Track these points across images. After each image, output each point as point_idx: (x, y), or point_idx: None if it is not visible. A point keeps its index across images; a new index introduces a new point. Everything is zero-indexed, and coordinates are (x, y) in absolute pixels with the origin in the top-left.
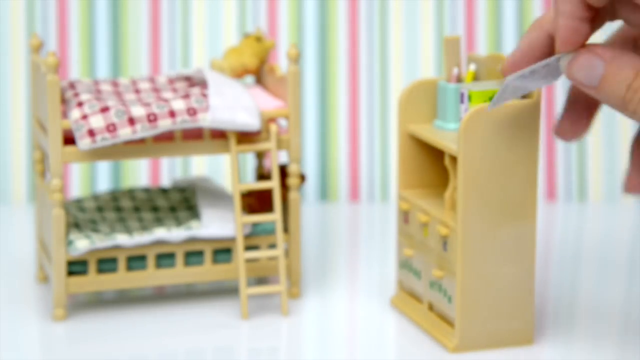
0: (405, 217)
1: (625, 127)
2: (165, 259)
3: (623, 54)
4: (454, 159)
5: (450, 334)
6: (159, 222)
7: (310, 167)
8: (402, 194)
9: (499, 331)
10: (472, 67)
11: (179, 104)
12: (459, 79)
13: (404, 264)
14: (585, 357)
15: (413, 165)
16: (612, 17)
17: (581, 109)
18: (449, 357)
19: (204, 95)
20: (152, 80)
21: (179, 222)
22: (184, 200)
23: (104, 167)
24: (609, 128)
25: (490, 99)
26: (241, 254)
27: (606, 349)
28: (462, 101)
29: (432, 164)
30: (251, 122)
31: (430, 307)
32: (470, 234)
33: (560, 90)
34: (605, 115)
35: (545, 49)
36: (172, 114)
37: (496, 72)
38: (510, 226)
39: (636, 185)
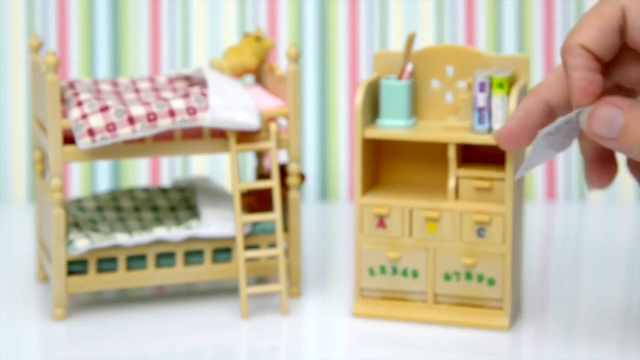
0: (380, 221)
1: None
2: (165, 258)
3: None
4: (461, 150)
5: (492, 315)
6: (159, 221)
7: (310, 167)
8: (365, 200)
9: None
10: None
11: (178, 104)
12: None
13: (382, 270)
14: (585, 355)
15: (366, 169)
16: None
17: (601, 158)
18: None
19: (204, 95)
20: (151, 80)
21: (178, 222)
22: (183, 200)
23: (103, 167)
24: None
25: (501, 85)
26: (241, 254)
27: (606, 347)
28: (482, 90)
29: (378, 164)
30: (251, 121)
31: (436, 300)
32: (514, 215)
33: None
34: None
35: (542, 116)
36: (171, 113)
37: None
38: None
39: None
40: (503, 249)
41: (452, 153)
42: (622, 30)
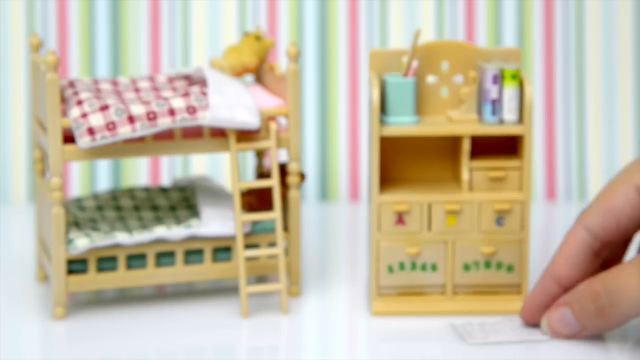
0: (399, 218)
1: (625, 127)
2: (165, 257)
3: (578, 288)
4: (477, 142)
5: (510, 301)
6: (159, 220)
7: (310, 167)
8: (383, 198)
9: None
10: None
11: (178, 103)
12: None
13: (401, 266)
14: (583, 356)
15: (382, 166)
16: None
17: None
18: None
19: (204, 94)
20: (151, 79)
21: (178, 221)
22: (183, 200)
23: (103, 166)
24: (609, 127)
25: (514, 76)
26: (241, 253)
27: (604, 347)
28: (494, 82)
29: (388, 160)
30: (251, 120)
31: (455, 291)
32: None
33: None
34: (605, 114)
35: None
36: (171, 112)
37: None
38: None
39: None
40: (522, 235)
41: (466, 145)
42: None
